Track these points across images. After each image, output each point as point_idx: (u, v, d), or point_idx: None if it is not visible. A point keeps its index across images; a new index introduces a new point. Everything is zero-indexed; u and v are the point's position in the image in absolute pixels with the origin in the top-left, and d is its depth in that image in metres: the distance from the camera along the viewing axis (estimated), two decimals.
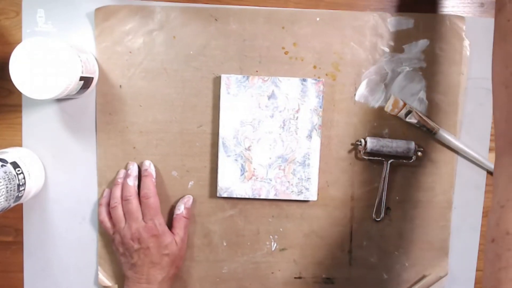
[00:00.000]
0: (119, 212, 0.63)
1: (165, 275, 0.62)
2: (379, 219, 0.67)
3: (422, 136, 0.66)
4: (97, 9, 0.63)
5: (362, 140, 0.65)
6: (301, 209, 0.67)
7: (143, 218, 0.62)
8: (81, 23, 0.64)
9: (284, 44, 0.65)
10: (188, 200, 0.65)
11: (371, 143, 0.64)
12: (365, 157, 0.66)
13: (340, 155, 0.66)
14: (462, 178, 0.68)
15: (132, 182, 0.63)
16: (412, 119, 0.65)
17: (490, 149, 0.68)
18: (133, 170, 0.64)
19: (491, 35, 0.65)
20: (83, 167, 0.66)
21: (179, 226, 0.64)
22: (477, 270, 0.70)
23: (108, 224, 0.64)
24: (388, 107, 0.65)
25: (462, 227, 0.68)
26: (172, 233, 0.63)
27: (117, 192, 0.64)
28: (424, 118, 0.65)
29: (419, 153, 0.65)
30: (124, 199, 0.63)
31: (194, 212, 0.67)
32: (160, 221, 0.62)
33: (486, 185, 0.68)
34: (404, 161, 0.66)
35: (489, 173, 0.68)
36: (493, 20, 0.65)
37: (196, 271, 0.68)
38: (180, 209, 0.65)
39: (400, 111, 0.65)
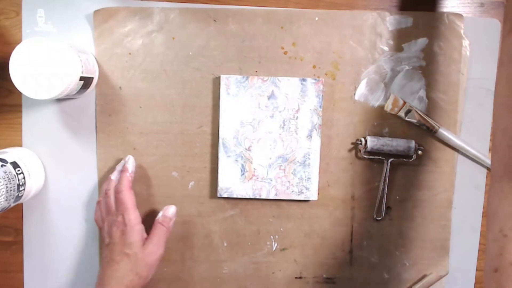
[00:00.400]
0: (102, 206, 0.62)
1: (118, 280, 0.56)
2: (379, 219, 0.67)
3: (422, 135, 0.66)
4: (96, 11, 0.64)
5: (362, 139, 0.65)
6: (301, 209, 0.67)
7: (115, 215, 0.60)
8: (81, 23, 0.64)
9: (283, 44, 0.65)
10: (168, 208, 0.62)
11: (371, 142, 0.64)
12: (365, 156, 0.66)
13: (340, 155, 0.66)
14: (462, 177, 0.67)
15: (114, 176, 0.63)
16: (412, 118, 0.65)
17: (490, 149, 0.68)
18: (119, 165, 0.64)
19: (491, 35, 0.66)
20: (83, 167, 0.66)
21: (154, 231, 0.60)
22: (477, 270, 0.69)
23: (100, 223, 0.63)
24: (388, 106, 0.65)
25: (462, 227, 0.68)
26: (151, 240, 0.59)
27: (103, 186, 0.64)
28: (424, 116, 0.65)
29: (420, 152, 0.65)
30: (104, 193, 0.62)
31: (194, 213, 0.67)
32: (130, 217, 0.58)
33: (486, 184, 0.68)
34: (405, 160, 0.65)
35: (490, 171, 0.68)
36: (493, 20, 0.66)
37: (196, 271, 0.67)
38: (159, 215, 0.62)
39: (400, 110, 0.65)
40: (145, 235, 0.60)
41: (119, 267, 0.56)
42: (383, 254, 0.68)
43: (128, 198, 0.60)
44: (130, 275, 0.56)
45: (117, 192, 0.60)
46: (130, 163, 0.63)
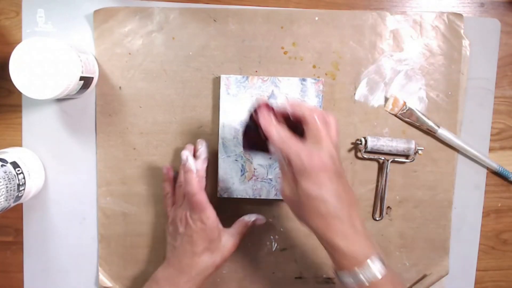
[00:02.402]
0: (181, 191, 0.62)
1: (200, 272, 0.59)
2: (379, 219, 0.67)
3: (422, 135, 0.66)
4: (96, 11, 0.64)
5: (362, 139, 0.65)
6: None
7: (191, 212, 0.59)
8: (81, 23, 0.64)
9: (284, 44, 0.65)
10: (262, 219, 0.63)
11: (372, 142, 0.64)
12: (365, 156, 0.65)
13: (340, 155, 0.66)
14: (462, 178, 0.67)
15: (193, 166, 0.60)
16: (412, 119, 0.65)
17: (490, 149, 0.68)
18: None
19: (491, 35, 0.66)
20: (83, 167, 0.66)
21: (234, 225, 0.62)
22: (477, 270, 0.69)
23: (171, 199, 0.64)
24: (388, 107, 0.65)
25: (462, 227, 0.68)
26: (228, 232, 0.61)
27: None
28: (424, 117, 0.65)
29: (420, 152, 0.65)
30: (178, 184, 0.62)
31: None
32: (208, 216, 0.58)
33: (486, 185, 0.68)
34: (405, 160, 0.65)
35: (490, 171, 0.68)
36: (493, 20, 0.66)
37: None
38: (250, 218, 0.62)
39: (400, 110, 0.65)
40: (221, 227, 0.60)
41: (200, 260, 0.59)
42: (383, 254, 0.67)
43: (201, 199, 0.58)
44: (210, 269, 0.59)
45: (190, 195, 0.58)
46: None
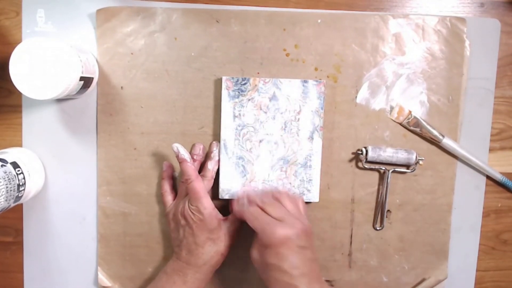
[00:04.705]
0: (184, 187, 0.63)
1: (207, 261, 0.61)
2: (380, 229, 0.67)
3: (424, 140, 0.66)
4: (99, 10, 0.63)
5: (363, 149, 0.65)
6: None
7: (189, 202, 0.61)
8: (81, 23, 0.64)
9: (286, 46, 0.65)
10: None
11: (372, 152, 0.64)
12: (366, 166, 0.65)
13: (341, 158, 0.66)
14: (462, 178, 0.67)
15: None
16: (417, 128, 0.65)
17: (490, 149, 0.68)
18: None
19: (491, 35, 0.66)
20: (83, 167, 0.66)
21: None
22: (477, 270, 0.70)
23: (169, 196, 0.65)
24: (393, 115, 0.65)
25: (462, 227, 0.68)
26: (228, 219, 0.63)
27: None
28: (429, 127, 0.65)
29: (421, 163, 0.65)
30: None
31: None
32: (204, 206, 0.60)
33: (486, 185, 0.68)
34: (406, 170, 0.66)
35: (488, 178, 0.68)
36: (493, 20, 0.66)
37: None
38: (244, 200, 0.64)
39: (405, 119, 0.65)
40: (220, 216, 0.63)
41: (203, 250, 0.61)
42: (382, 257, 0.68)
43: (199, 186, 0.61)
44: (215, 258, 0.62)
45: (187, 183, 0.61)
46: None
